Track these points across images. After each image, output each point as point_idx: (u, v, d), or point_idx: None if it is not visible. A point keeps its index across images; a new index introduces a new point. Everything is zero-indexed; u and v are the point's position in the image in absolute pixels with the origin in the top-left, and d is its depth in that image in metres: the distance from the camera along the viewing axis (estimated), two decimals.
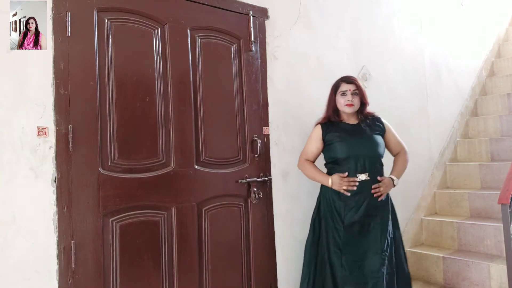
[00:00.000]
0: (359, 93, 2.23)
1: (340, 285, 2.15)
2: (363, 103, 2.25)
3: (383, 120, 2.35)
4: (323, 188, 2.27)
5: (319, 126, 2.28)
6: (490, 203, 3.06)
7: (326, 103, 2.32)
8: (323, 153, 2.31)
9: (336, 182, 2.17)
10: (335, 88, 2.27)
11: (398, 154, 2.39)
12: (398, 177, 2.29)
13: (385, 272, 2.13)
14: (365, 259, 2.14)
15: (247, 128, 2.31)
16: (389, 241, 2.19)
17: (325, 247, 2.20)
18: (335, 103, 2.26)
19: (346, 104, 2.21)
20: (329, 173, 2.25)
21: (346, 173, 2.16)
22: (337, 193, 2.18)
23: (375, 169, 2.19)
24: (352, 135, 2.22)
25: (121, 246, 1.85)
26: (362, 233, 2.16)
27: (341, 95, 2.23)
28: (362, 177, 2.14)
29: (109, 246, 1.82)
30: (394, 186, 2.25)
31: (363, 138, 2.21)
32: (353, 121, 2.28)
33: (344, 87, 2.23)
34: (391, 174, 2.30)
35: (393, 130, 2.37)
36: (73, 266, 1.72)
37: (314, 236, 2.25)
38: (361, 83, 2.30)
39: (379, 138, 2.25)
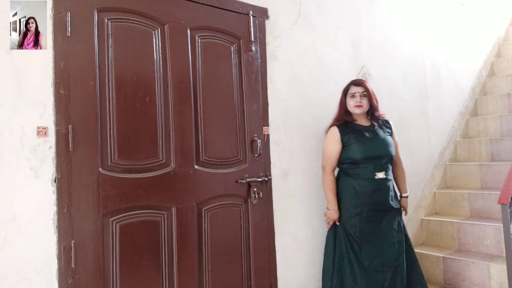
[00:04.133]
0: (368, 95, 2.35)
1: (358, 275, 2.29)
2: (372, 105, 2.37)
3: (390, 122, 2.50)
4: (343, 182, 2.39)
5: (335, 128, 2.37)
6: (490, 203, 3.06)
7: (337, 105, 2.45)
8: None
9: (328, 216, 2.36)
10: (345, 90, 2.42)
11: (396, 165, 2.52)
12: (405, 189, 2.56)
13: (403, 262, 2.34)
14: (382, 249, 2.30)
15: (247, 128, 2.31)
16: (403, 236, 2.38)
17: (343, 238, 2.34)
18: (346, 105, 2.39)
19: (355, 106, 2.34)
20: (346, 172, 2.37)
21: (336, 218, 2.34)
22: (354, 188, 2.32)
23: (389, 168, 2.38)
24: (367, 137, 2.35)
25: (121, 246, 1.85)
26: (379, 226, 2.32)
27: (350, 97, 2.37)
28: (380, 175, 2.31)
29: (109, 246, 1.82)
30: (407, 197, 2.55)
31: (378, 139, 2.36)
32: (364, 122, 2.41)
33: (353, 89, 2.37)
34: (401, 192, 2.56)
35: (396, 138, 2.51)
36: (73, 266, 1.72)
37: (332, 228, 2.41)
38: (370, 85, 2.41)
39: (390, 139, 2.41)
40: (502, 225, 2.40)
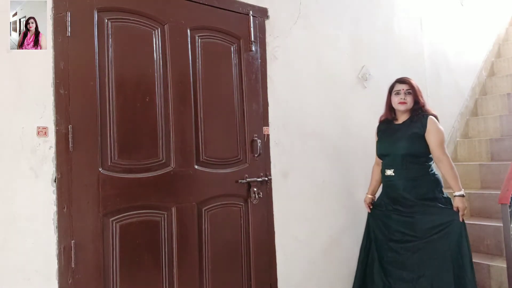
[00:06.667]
0: (413, 92, 2.38)
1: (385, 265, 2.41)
2: (418, 101, 2.37)
3: (430, 120, 2.30)
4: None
5: (377, 125, 2.56)
6: (490, 203, 3.05)
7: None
8: None
9: (364, 199, 2.58)
10: (390, 88, 2.47)
11: (437, 163, 2.32)
12: (457, 188, 2.25)
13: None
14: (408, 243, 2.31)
15: (247, 128, 2.31)
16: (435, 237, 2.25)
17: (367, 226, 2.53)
18: (391, 102, 2.44)
19: (398, 102, 2.38)
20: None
21: (367, 202, 2.55)
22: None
23: (403, 166, 2.32)
24: (388, 135, 2.42)
25: (121, 246, 1.85)
26: (400, 219, 2.35)
27: (395, 94, 2.41)
28: (389, 172, 2.37)
29: (109, 246, 1.82)
30: (463, 196, 2.23)
31: (392, 137, 2.38)
32: (402, 119, 2.42)
33: (398, 87, 2.41)
34: (453, 191, 2.27)
35: (436, 135, 2.28)
36: (73, 266, 1.72)
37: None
38: (415, 82, 2.42)
39: (412, 138, 2.30)
40: (502, 225, 2.41)
